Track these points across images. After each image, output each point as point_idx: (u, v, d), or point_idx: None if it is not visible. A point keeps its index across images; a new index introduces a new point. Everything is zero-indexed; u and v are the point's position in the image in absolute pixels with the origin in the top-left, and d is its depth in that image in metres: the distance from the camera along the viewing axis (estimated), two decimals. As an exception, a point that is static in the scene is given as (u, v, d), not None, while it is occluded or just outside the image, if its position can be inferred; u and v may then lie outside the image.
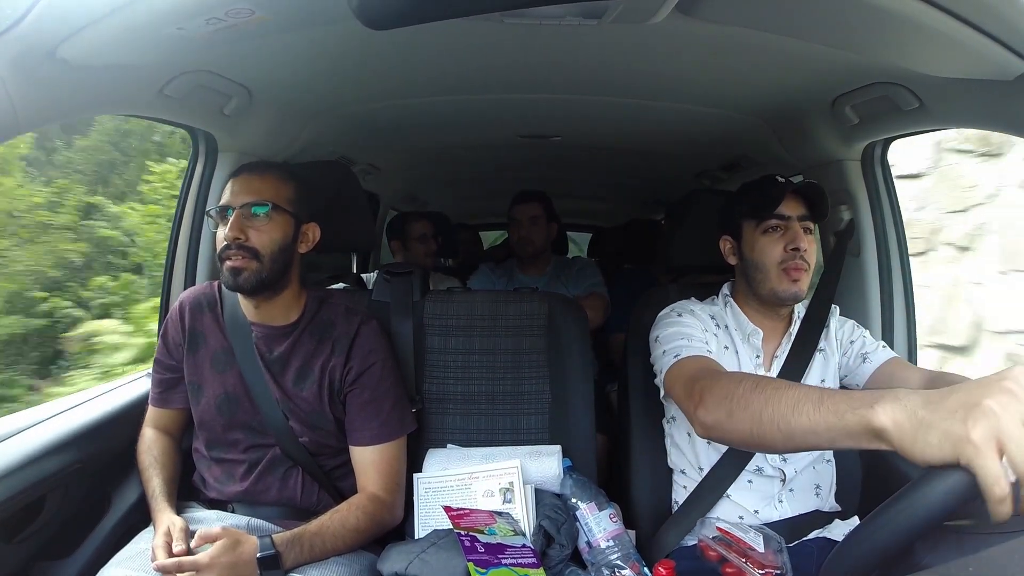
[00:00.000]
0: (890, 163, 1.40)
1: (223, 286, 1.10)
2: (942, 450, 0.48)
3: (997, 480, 0.44)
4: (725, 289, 1.19)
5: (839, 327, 1.16)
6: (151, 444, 1.10)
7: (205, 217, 1.35)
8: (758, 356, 1.11)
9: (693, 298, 1.19)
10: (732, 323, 1.14)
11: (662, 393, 1.09)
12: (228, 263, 1.00)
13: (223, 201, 1.04)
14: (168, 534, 0.92)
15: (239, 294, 1.08)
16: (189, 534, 0.92)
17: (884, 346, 1.12)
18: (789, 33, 0.92)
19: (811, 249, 1.07)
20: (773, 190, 1.07)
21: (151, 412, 1.14)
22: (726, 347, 1.11)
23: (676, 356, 1.00)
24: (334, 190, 1.23)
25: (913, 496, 0.49)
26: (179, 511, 1.03)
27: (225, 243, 1.00)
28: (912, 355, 1.41)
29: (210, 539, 0.87)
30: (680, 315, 1.09)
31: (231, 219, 1.01)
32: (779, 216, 1.06)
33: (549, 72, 1.24)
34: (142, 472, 1.07)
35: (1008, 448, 0.45)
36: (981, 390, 0.48)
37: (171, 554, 0.89)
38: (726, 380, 0.81)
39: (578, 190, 2.94)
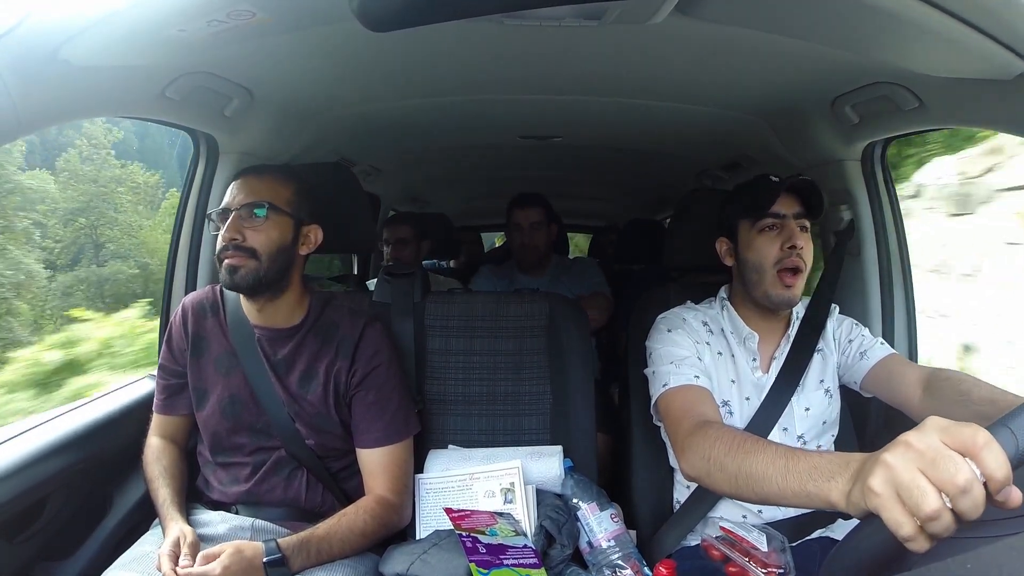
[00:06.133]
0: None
1: (223, 287, 1.10)
2: (861, 502, 0.54)
3: (900, 524, 0.49)
4: (722, 292, 1.19)
5: (837, 326, 1.15)
6: (159, 454, 1.10)
7: (206, 219, 1.36)
8: (755, 359, 1.11)
9: (689, 302, 1.19)
10: (728, 327, 1.13)
11: (655, 417, 1.10)
12: (225, 262, 1.01)
13: (223, 204, 1.05)
14: (176, 544, 0.91)
15: (241, 295, 1.08)
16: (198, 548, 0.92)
17: (882, 342, 1.11)
18: (789, 33, 0.93)
19: (808, 248, 1.06)
20: (768, 189, 1.07)
21: (156, 420, 1.14)
22: (720, 353, 1.11)
23: (664, 385, 1.02)
24: (334, 191, 1.23)
25: (853, 540, 0.55)
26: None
27: (223, 244, 1.01)
28: (912, 354, 1.41)
29: (213, 557, 0.87)
30: (670, 330, 1.09)
31: (229, 221, 1.02)
32: (775, 215, 1.05)
33: (549, 73, 1.24)
34: (150, 482, 1.07)
35: (902, 495, 0.49)
36: (888, 447, 0.53)
37: (177, 564, 0.88)
38: (701, 438, 0.84)
39: (579, 190, 2.95)
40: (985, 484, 0.47)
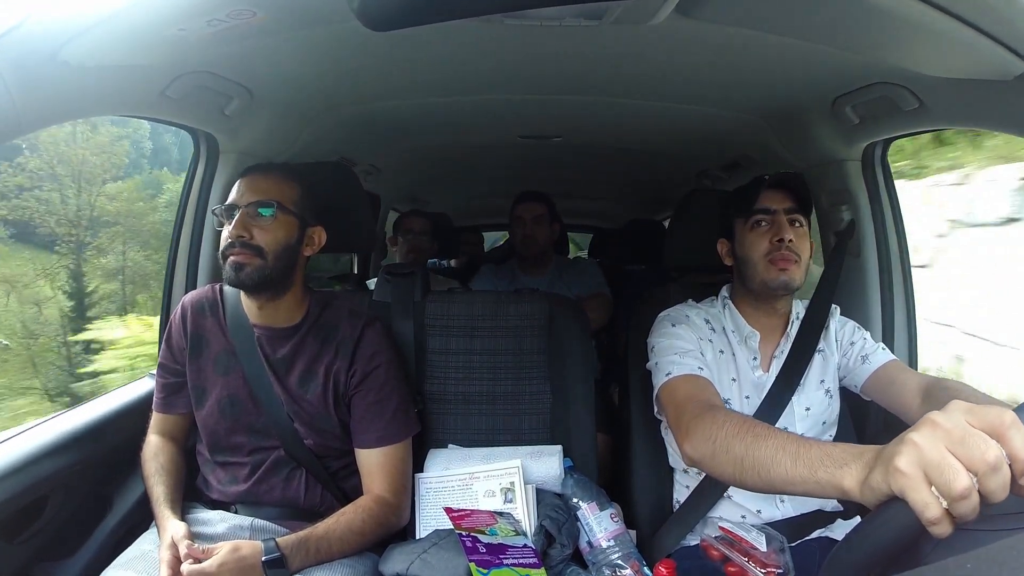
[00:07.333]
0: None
1: (225, 284, 1.10)
2: (884, 485, 0.52)
3: (927, 506, 0.47)
4: (724, 291, 1.19)
5: (839, 328, 1.16)
6: (157, 451, 1.10)
7: (207, 218, 1.36)
8: (755, 358, 1.11)
9: (691, 300, 1.20)
10: (730, 325, 1.14)
11: (656, 409, 1.09)
12: (231, 259, 1.00)
13: (229, 200, 1.04)
14: (173, 546, 0.91)
15: (242, 293, 1.08)
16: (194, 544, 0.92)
17: (884, 348, 1.12)
18: (789, 33, 0.93)
19: (801, 242, 1.07)
20: (754, 185, 1.09)
21: (156, 418, 1.14)
22: (721, 351, 1.11)
23: (668, 375, 1.01)
24: (335, 190, 1.23)
25: (866, 530, 0.53)
26: (182, 512, 1.03)
27: (229, 241, 1.01)
28: (912, 355, 1.41)
29: (211, 555, 0.87)
30: (674, 324, 1.10)
31: (236, 218, 1.01)
32: (763, 210, 1.07)
33: (550, 73, 1.24)
34: (147, 479, 1.07)
35: (931, 475, 0.48)
36: (914, 428, 0.52)
37: (176, 570, 0.88)
38: (710, 420, 0.83)
39: (579, 190, 2.95)
40: (1009, 467, 0.47)
